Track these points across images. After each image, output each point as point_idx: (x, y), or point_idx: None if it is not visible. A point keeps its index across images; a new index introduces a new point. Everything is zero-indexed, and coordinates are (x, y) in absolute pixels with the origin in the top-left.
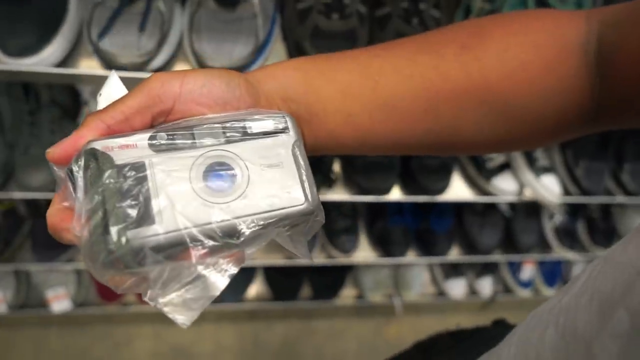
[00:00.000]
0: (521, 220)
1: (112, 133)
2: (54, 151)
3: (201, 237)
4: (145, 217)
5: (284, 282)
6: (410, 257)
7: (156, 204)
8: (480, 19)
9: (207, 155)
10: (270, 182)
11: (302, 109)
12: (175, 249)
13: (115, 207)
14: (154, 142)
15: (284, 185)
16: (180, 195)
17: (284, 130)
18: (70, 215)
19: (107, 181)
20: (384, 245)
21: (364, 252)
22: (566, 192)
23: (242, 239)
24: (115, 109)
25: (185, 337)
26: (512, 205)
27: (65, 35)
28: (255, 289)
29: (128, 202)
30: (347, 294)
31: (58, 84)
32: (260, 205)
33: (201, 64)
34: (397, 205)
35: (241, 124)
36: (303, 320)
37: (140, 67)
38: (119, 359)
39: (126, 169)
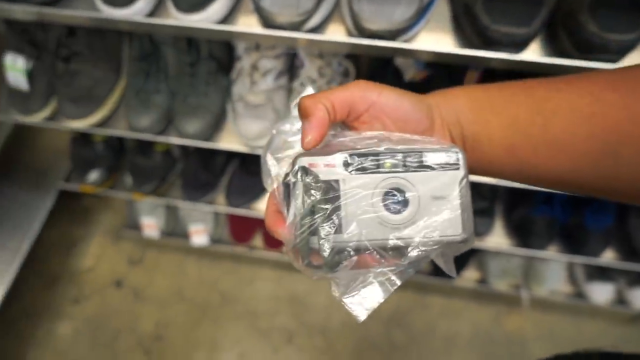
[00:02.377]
0: None
1: (325, 117)
2: (310, 142)
3: (376, 250)
4: (338, 228)
5: None
6: (551, 252)
7: (345, 219)
8: None
9: (388, 180)
10: (436, 213)
11: (468, 135)
12: (353, 256)
13: (320, 217)
14: (348, 163)
15: (447, 217)
16: (364, 213)
17: (455, 165)
18: (280, 218)
19: (314, 194)
20: (523, 234)
21: (496, 238)
22: None
23: (407, 260)
24: (327, 97)
25: (302, 287)
26: None
27: None
28: None
29: (327, 214)
30: (468, 276)
31: (216, 39)
32: (426, 232)
33: (358, 25)
34: (546, 194)
35: (419, 154)
36: (418, 293)
37: (298, 26)
38: (242, 295)
39: (327, 185)
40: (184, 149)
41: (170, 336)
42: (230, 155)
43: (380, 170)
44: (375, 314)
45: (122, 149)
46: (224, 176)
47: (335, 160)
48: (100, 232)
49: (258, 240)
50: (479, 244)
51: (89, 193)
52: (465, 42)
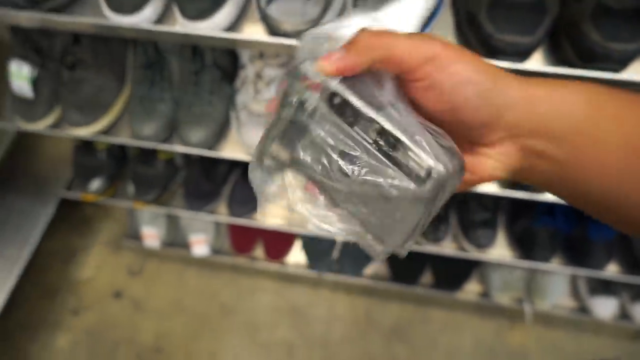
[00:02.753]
0: None
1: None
2: (338, 62)
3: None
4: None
5: (406, 264)
6: (554, 264)
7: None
8: None
9: (349, 142)
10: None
11: (560, 153)
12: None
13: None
14: (332, 99)
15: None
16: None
17: (421, 182)
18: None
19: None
20: (526, 246)
21: (499, 250)
22: None
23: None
24: (388, 50)
25: (302, 298)
26: None
27: (236, 1)
28: (375, 266)
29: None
30: (470, 289)
31: (221, 47)
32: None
33: None
34: (547, 205)
35: (402, 146)
36: (419, 306)
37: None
38: (242, 307)
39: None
40: (186, 156)
41: (169, 348)
42: (233, 164)
43: (352, 131)
44: (375, 326)
45: (125, 157)
46: (226, 185)
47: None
48: (100, 242)
49: (259, 251)
50: (481, 255)
51: (90, 202)
52: (469, 50)
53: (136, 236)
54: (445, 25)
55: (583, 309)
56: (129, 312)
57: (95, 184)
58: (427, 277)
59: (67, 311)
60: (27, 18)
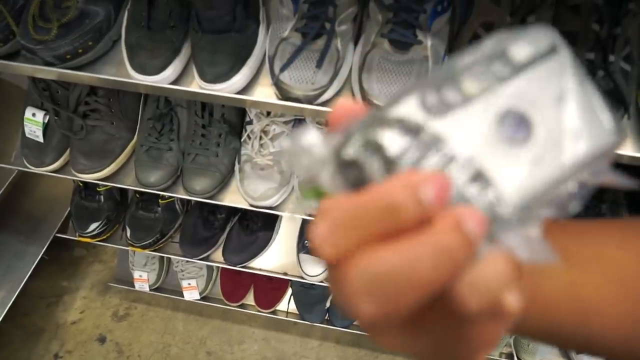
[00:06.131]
0: None
1: None
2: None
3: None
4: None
5: None
6: None
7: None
8: None
9: (492, 105)
10: (566, 121)
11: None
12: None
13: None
14: (426, 104)
15: (581, 119)
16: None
17: (550, 49)
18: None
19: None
20: None
21: None
22: None
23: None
24: None
25: (291, 348)
26: None
27: (251, 66)
28: None
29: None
30: None
31: (231, 105)
32: (573, 152)
33: (366, 101)
34: None
35: (501, 56)
36: (402, 355)
37: (312, 100)
38: (229, 356)
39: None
40: (185, 203)
41: None
42: (231, 212)
43: (470, 98)
44: None
45: (124, 200)
46: (223, 233)
47: (404, 107)
48: (87, 284)
49: (249, 299)
50: None
51: (83, 242)
52: None
53: (124, 280)
54: None
55: None
56: (112, 357)
57: (94, 226)
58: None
59: (49, 355)
60: (51, 73)
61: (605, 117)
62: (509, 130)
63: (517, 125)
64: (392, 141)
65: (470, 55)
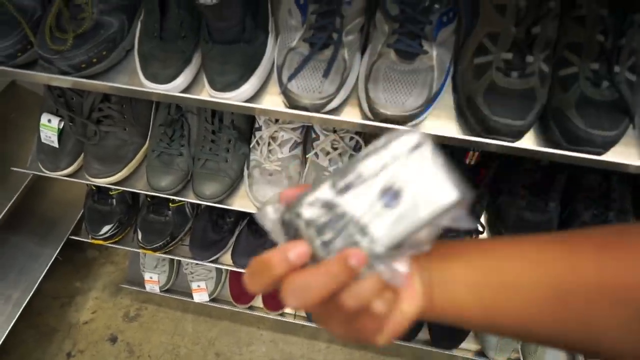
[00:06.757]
0: None
1: None
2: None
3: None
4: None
5: None
6: None
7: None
8: (629, 225)
9: (376, 182)
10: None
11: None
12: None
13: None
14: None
15: (435, 186)
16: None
17: (418, 145)
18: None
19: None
20: None
21: None
22: None
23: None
24: None
25: (298, 349)
26: None
27: (259, 75)
28: None
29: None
30: (466, 347)
31: (240, 113)
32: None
33: (373, 110)
34: None
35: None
36: None
37: (319, 108)
38: (237, 357)
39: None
40: (195, 207)
41: None
42: (240, 215)
43: (365, 180)
44: None
45: (136, 203)
46: (232, 237)
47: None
48: (100, 285)
49: (258, 301)
50: None
51: (95, 244)
52: (467, 128)
53: (136, 281)
54: (447, 107)
55: None
56: (123, 358)
57: (106, 229)
58: (424, 334)
59: (62, 355)
60: (67, 81)
61: (449, 185)
62: (386, 199)
63: (391, 196)
64: (312, 212)
65: (367, 149)
